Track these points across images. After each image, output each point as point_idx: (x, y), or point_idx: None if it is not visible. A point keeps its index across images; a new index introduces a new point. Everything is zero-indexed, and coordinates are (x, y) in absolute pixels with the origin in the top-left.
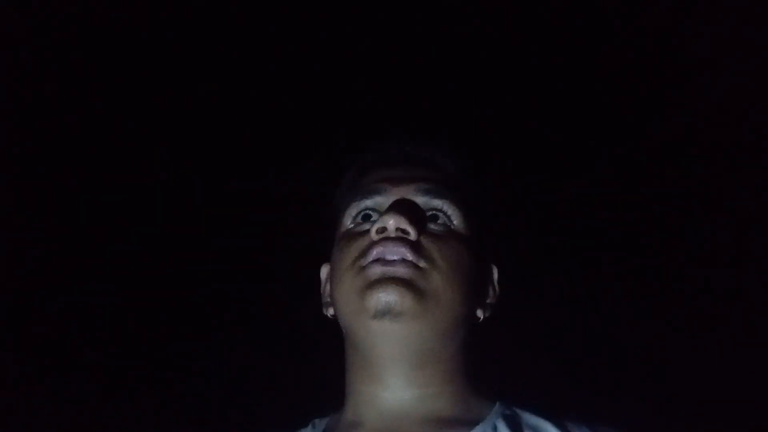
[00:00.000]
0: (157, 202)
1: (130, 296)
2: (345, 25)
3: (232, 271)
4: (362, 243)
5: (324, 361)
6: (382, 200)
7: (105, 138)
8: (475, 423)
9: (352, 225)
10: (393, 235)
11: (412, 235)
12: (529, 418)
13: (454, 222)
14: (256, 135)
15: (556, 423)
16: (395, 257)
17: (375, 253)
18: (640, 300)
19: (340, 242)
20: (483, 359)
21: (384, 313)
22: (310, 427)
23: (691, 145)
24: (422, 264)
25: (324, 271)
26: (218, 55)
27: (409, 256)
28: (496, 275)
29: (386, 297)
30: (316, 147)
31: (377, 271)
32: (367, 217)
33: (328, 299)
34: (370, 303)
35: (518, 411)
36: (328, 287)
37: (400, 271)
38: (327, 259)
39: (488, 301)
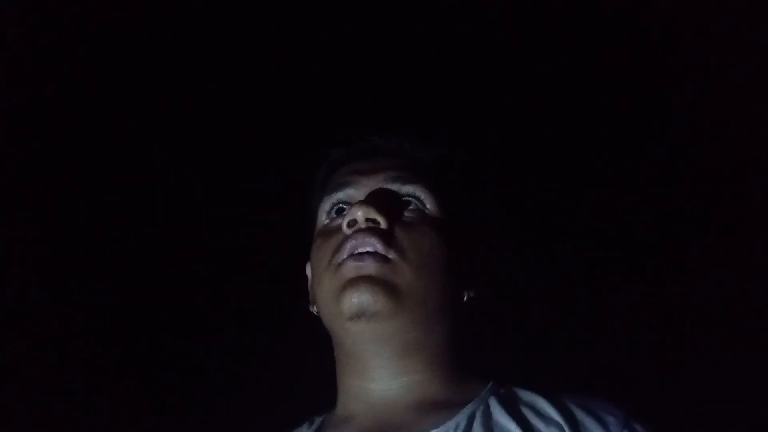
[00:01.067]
0: (152, 201)
1: (125, 296)
2: (341, 24)
3: (225, 270)
4: (336, 239)
5: (320, 359)
6: (354, 192)
7: (102, 139)
8: (467, 403)
9: (327, 220)
10: (363, 226)
11: (383, 223)
12: (525, 395)
13: (428, 206)
14: (250, 133)
15: (551, 399)
16: (367, 248)
17: (348, 248)
18: (638, 282)
19: (317, 240)
20: (476, 341)
21: (359, 315)
22: (306, 425)
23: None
24: (392, 255)
25: (308, 268)
26: (210, 56)
27: (380, 247)
28: (485, 253)
29: (359, 298)
30: (311, 145)
31: (350, 268)
32: (340, 211)
33: (313, 297)
34: (344, 306)
35: (513, 389)
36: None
37: (371, 266)
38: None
39: (477, 280)
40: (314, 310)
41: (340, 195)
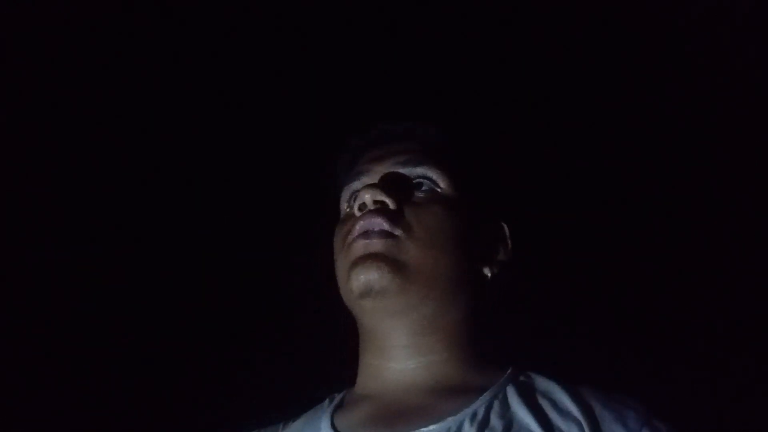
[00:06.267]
0: (154, 199)
1: (136, 296)
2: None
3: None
4: (350, 223)
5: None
6: (368, 180)
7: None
8: (485, 389)
9: (347, 209)
10: (372, 207)
11: (390, 204)
12: (543, 383)
13: (441, 185)
14: (255, 129)
15: (570, 391)
16: (375, 228)
17: (357, 228)
18: (666, 264)
19: (337, 227)
20: (497, 324)
21: (366, 292)
22: (327, 401)
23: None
24: (398, 232)
25: None
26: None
27: (386, 225)
28: (507, 232)
29: (365, 276)
30: (314, 141)
31: (359, 246)
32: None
33: None
34: (353, 284)
35: (532, 375)
36: None
37: (378, 244)
38: None
39: (498, 258)
40: None
41: (356, 184)
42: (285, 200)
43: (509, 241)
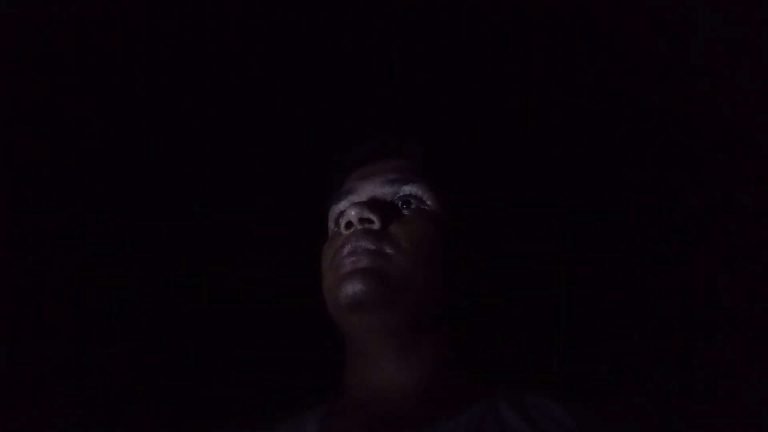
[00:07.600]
0: (153, 199)
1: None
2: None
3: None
4: (337, 242)
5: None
6: (355, 198)
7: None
8: (476, 402)
9: (335, 227)
10: (359, 227)
11: (377, 223)
12: (534, 399)
13: (428, 203)
14: (255, 129)
15: (561, 403)
16: (362, 249)
17: (346, 250)
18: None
19: (324, 245)
20: (485, 346)
21: (355, 305)
22: (310, 411)
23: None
24: (388, 250)
25: None
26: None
27: (372, 245)
28: (487, 253)
29: (353, 289)
30: (311, 144)
31: (347, 263)
32: None
33: None
34: (341, 298)
35: (522, 393)
36: None
37: (364, 260)
38: None
39: (488, 273)
40: None
41: (343, 203)
42: (285, 200)
43: (499, 256)
